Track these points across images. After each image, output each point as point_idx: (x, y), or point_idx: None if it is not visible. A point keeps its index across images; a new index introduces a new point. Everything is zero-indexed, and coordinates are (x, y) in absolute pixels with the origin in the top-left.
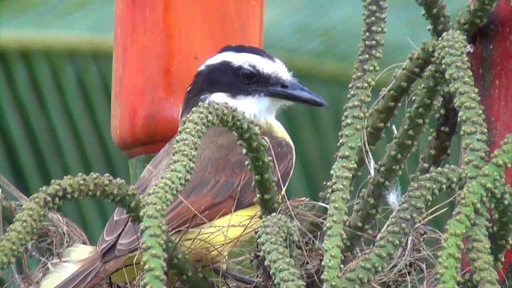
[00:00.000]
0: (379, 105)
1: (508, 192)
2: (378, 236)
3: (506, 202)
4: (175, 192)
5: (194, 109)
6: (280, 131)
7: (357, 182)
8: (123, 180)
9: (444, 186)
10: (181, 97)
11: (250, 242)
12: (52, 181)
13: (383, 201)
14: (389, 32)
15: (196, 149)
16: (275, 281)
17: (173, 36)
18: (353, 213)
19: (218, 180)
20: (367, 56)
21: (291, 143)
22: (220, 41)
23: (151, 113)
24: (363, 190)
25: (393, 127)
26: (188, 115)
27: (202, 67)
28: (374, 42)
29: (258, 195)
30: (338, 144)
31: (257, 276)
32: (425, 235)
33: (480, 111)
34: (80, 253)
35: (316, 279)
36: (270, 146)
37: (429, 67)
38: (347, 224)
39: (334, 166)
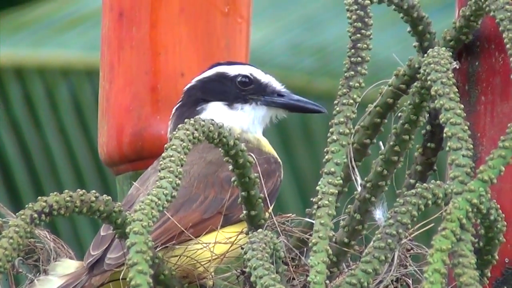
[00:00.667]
0: (365, 122)
1: (494, 207)
2: (364, 252)
3: (492, 217)
4: (161, 208)
5: (180, 126)
6: (268, 146)
7: (344, 198)
8: (109, 197)
9: (430, 202)
10: (168, 114)
11: (237, 258)
12: (39, 198)
13: (370, 217)
14: (383, 50)
15: (182, 165)
16: None
17: (159, 54)
18: (339, 229)
19: (207, 196)
20: (352, 72)
21: (279, 160)
22: (206, 58)
23: (138, 130)
24: (349, 206)
25: (380, 143)
26: (174, 132)
27: (193, 83)
28: (359, 59)
29: (244, 212)
30: (324, 160)
31: None
32: (411, 251)
33: (466, 127)
34: (66, 267)
35: None
36: (258, 163)
37: (415, 83)
38: (333, 240)
39: (320, 182)
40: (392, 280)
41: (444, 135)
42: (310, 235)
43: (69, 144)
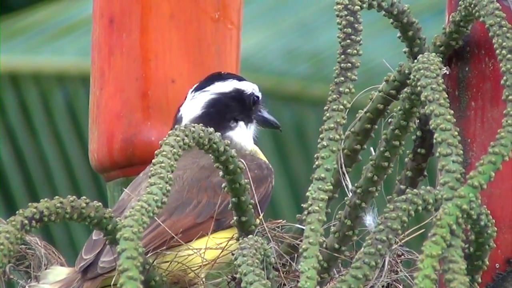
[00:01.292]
0: (356, 127)
1: (484, 213)
2: (355, 258)
3: (482, 223)
4: (151, 214)
5: (170, 132)
6: (261, 155)
7: (334, 204)
8: (100, 203)
9: (420, 208)
10: (158, 120)
11: (228, 264)
12: (29, 204)
13: (360, 222)
14: (376, 56)
15: (172, 171)
16: None
17: (150, 60)
18: (330, 234)
19: (200, 200)
20: (342, 78)
21: (271, 167)
22: (197, 64)
23: (129, 137)
24: (339, 212)
25: (371, 149)
26: (164, 138)
27: (216, 96)
28: (349, 64)
29: (235, 217)
30: (314, 166)
31: None
32: (402, 256)
33: (456, 133)
34: (57, 274)
35: None
36: (249, 168)
37: (405, 89)
38: (323, 245)
39: (310, 188)
40: (383, 286)
41: (434, 141)
42: (301, 241)
43: (64, 150)
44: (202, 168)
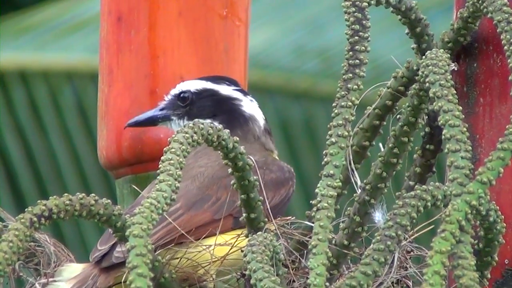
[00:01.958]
0: (364, 124)
1: (493, 209)
2: (364, 254)
3: (491, 219)
4: (160, 211)
5: (178, 129)
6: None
7: (343, 200)
8: (109, 200)
9: (429, 204)
10: None
11: (239, 261)
12: (38, 201)
13: (369, 219)
14: (385, 53)
15: (181, 168)
16: None
17: (158, 57)
18: (339, 231)
19: (220, 197)
20: (350, 75)
21: (293, 171)
22: (205, 61)
23: (137, 134)
24: (349, 208)
25: (380, 145)
26: (173, 135)
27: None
28: (357, 61)
29: (244, 214)
30: (323, 162)
31: None
32: (411, 253)
33: (464, 129)
34: (71, 271)
35: None
36: (271, 169)
37: (414, 85)
38: (333, 242)
39: (319, 185)
40: (392, 282)
41: (443, 137)
42: (310, 237)
43: (73, 147)
44: (224, 166)
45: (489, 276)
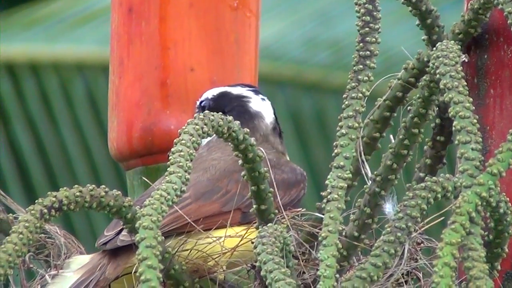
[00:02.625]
0: (375, 115)
1: (503, 200)
2: (374, 246)
3: (501, 210)
4: (170, 203)
5: (189, 120)
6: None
7: (353, 192)
8: (119, 192)
9: (439, 195)
10: (177, 108)
11: (249, 252)
12: (48, 193)
13: (379, 210)
14: (395, 45)
15: (191, 160)
16: None
17: (169, 48)
18: (349, 223)
19: (229, 190)
20: (361, 66)
21: (305, 174)
22: (216, 53)
23: (148, 125)
24: (359, 200)
25: (390, 136)
26: (184, 127)
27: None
28: (368, 52)
29: (254, 206)
30: (333, 154)
31: (254, 286)
32: (422, 244)
33: (475, 120)
34: (79, 263)
35: None
36: (283, 170)
37: (424, 77)
38: (343, 234)
39: (329, 176)
40: (402, 274)
41: (453, 128)
42: (320, 229)
43: (84, 139)
44: (236, 161)
45: (499, 267)
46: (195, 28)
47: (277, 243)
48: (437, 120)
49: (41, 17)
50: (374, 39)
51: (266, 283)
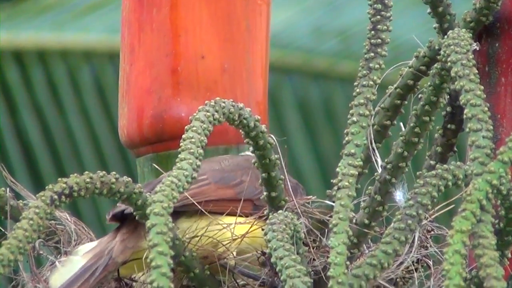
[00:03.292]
0: (386, 103)
1: None
2: (385, 233)
3: None
4: (181, 190)
5: (200, 107)
6: None
7: (364, 180)
8: (130, 179)
9: (450, 183)
10: (188, 96)
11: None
12: (59, 179)
13: (390, 198)
14: (405, 33)
15: (203, 147)
16: (282, 278)
17: (180, 36)
18: (360, 210)
19: (244, 180)
20: (372, 54)
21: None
22: (227, 40)
23: (159, 112)
24: (369, 187)
25: (401, 124)
26: (195, 114)
27: None
28: (379, 40)
29: (265, 193)
30: (344, 142)
31: (265, 272)
32: (432, 232)
33: (486, 109)
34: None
35: (323, 276)
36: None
37: (435, 65)
38: (353, 221)
39: (340, 164)
40: (412, 261)
41: (464, 116)
42: (331, 216)
43: (92, 126)
44: (247, 160)
45: (509, 255)
46: (206, 15)
47: (287, 230)
48: (448, 108)
49: (49, 5)
50: (385, 27)
51: (277, 269)
